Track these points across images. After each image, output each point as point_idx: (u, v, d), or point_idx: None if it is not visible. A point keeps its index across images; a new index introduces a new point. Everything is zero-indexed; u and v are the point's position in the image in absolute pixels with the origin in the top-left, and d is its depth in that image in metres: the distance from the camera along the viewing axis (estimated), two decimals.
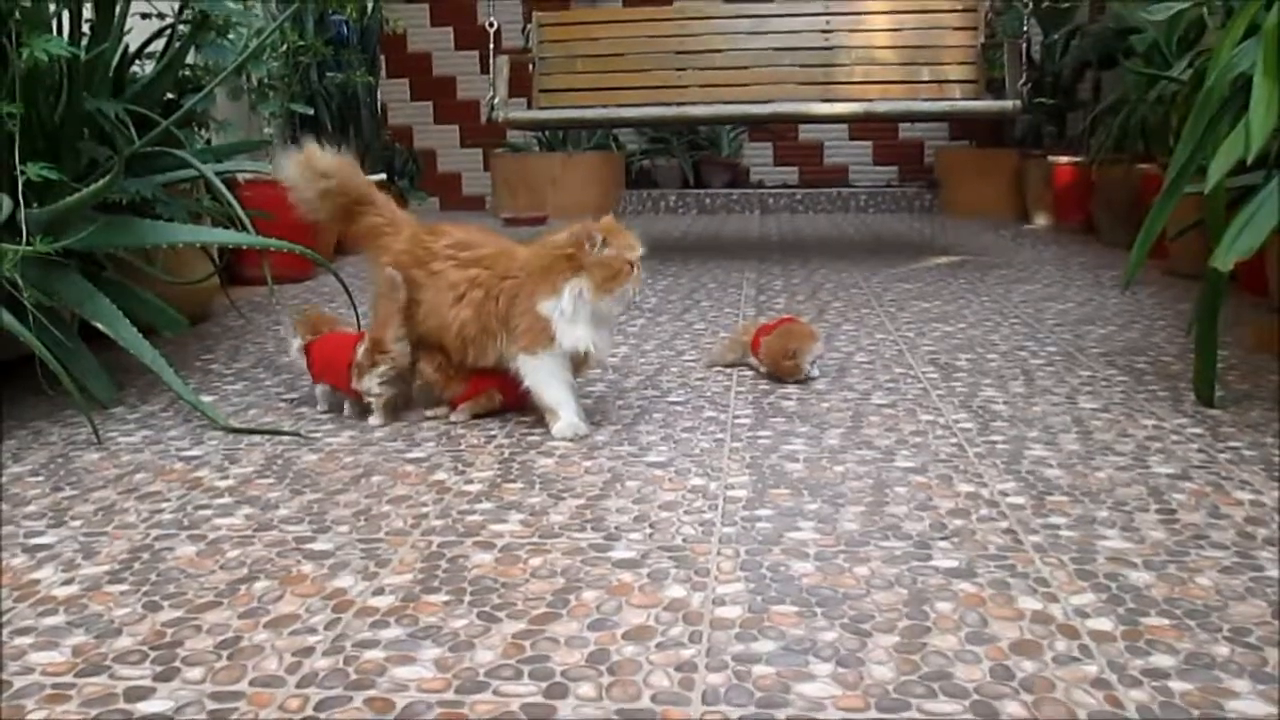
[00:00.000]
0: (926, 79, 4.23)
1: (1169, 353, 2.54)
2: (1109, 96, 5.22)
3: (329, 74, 4.65)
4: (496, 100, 3.93)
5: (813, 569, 1.33)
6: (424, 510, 1.54)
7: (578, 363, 1.92)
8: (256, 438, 1.94)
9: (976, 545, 1.39)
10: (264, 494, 1.63)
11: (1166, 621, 1.18)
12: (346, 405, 2.06)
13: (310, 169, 2.03)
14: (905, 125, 7.05)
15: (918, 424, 1.95)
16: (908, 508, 1.53)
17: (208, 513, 1.56)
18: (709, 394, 2.19)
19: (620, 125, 5.60)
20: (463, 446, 1.85)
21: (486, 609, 1.23)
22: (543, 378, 1.86)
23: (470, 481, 1.67)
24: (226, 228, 2.51)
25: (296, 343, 2.12)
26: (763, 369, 2.29)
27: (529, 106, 4.30)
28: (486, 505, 1.56)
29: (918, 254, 4.44)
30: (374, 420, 2.02)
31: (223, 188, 2.23)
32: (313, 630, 1.19)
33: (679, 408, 2.09)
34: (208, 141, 2.94)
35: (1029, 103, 3.75)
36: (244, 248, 2.51)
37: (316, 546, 1.42)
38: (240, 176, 2.97)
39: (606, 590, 1.27)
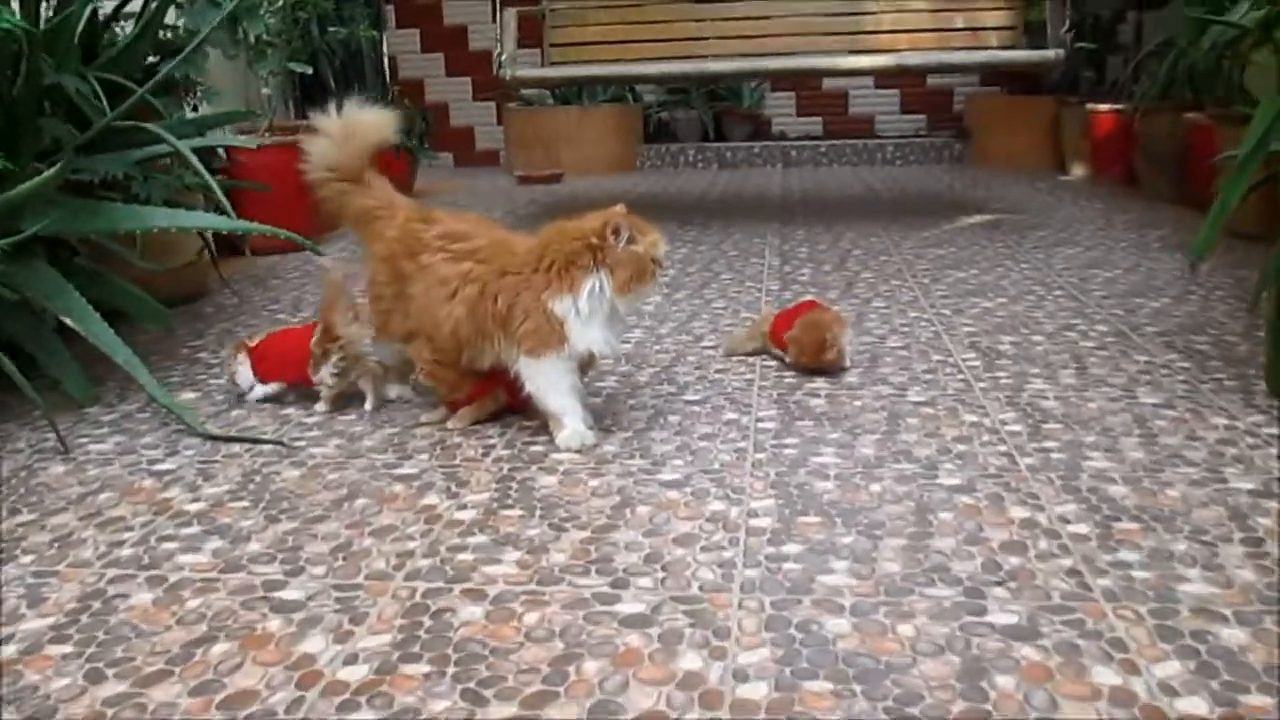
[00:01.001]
0: (960, 26, 3.97)
1: (1233, 330, 2.33)
2: (1153, 40, 4.93)
3: (331, 29, 4.44)
4: (504, 57, 3.71)
5: (849, 627, 1.15)
6: (410, 546, 1.37)
7: (585, 363, 1.74)
8: (235, 447, 1.77)
9: (1037, 593, 1.21)
10: (236, 521, 1.47)
11: None
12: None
13: (361, 130, 1.84)
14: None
15: (960, 427, 1.77)
16: (955, 541, 1.35)
17: (172, 546, 1.40)
18: (729, 390, 2.01)
19: (636, 82, 5.35)
20: (458, 460, 1.68)
21: (472, 685, 1.06)
22: (547, 383, 1.69)
23: (464, 506, 1.50)
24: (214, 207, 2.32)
25: (240, 360, 1.97)
26: (789, 359, 2.10)
27: (541, 62, 4.07)
28: (480, 539, 1.39)
29: (949, 213, 4.21)
30: (319, 408, 1.90)
31: (199, 165, 2.05)
32: (271, 714, 1.02)
33: (696, 408, 1.90)
34: (195, 110, 2.74)
35: (1071, 51, 3.49)
36: (251, 199, 2.32)
37: (287, 595, 1.26)
38: (237, 143, 2.79)
39: (611, 659, 1.10)
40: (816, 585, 1.25)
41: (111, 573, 1.34)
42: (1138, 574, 1.26)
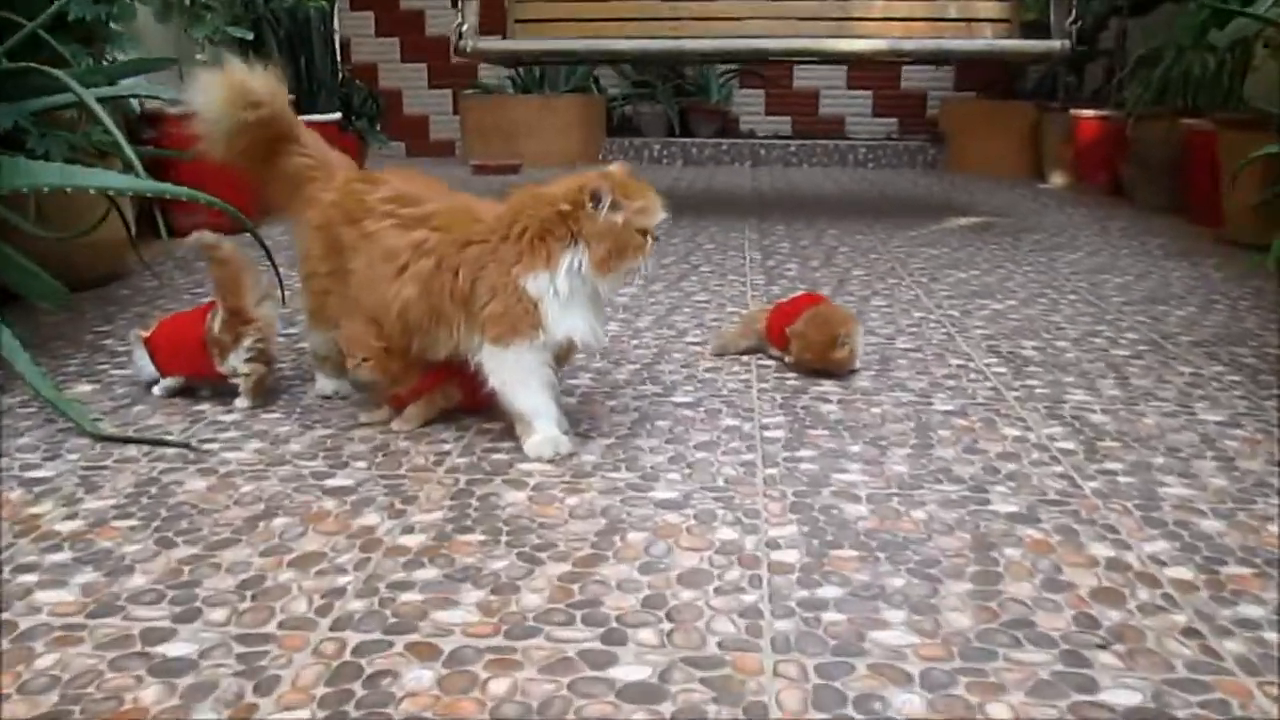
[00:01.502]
0: (954, 16, 3.73)
1: (1270, 343, 2.09)
2: (1141, 45, 4.75)
3: None
4: (465, 28, 3.39)
5: (919, 704, 0.86)
6: (340, 582, 1.07)
7: (561, 355, 1.45)
8: (131, 451, 1.45)
9: (1156, 663, 0.94)
10: (118, 546, 1.15)
11: None
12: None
13: (236, 93, 1.52)
14: (908, 74, 6.55)
15: (1002, 442, 1.49)
16: (1032, 587, 1.07)
17: (29, 580, 1.08)
18: (725, 392, 1.72)
19: (607, 60, 5.02)
20: (403, 469, 1.37)
21: None
22: (516, 378, 1.39)
23: (410, 529, 1.19)
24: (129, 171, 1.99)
25: (139, 352, 1.68)
26: (789, 359, 1.82)
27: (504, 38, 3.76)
28: (430, 573, 1.09)
29: (934, 214, 3.97)
30: (240, 403, 1.62)
31: (104, 114, 1.72)
32: None
33: (688, 412, 1.61)
34: (112, 61, 2.38)
35: (1076, 44, 3.26)
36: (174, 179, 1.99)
37: (171, 650, 0.94)
38: (166, 109, 2.44)
39: None
40: (870, 645, 0.96)
41: None
42: (1269, 634, 0.98)
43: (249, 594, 1.04)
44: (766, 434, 1.52)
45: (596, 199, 1.32)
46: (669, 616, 1.00)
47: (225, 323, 1.60)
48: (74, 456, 1.43)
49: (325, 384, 1.66)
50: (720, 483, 1.34)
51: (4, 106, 1.80)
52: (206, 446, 1.46)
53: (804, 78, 6.60)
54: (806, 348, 1.74)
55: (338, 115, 4.05)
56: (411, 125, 6.70)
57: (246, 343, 1.59)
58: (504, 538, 1.17)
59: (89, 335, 2.09)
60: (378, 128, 4.69)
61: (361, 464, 1.39)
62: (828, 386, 1.75)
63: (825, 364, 1.75)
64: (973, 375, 1.83)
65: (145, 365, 1.68)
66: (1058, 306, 2.41)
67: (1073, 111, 4.98)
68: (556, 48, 3.58)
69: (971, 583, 1.08)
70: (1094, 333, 2.16)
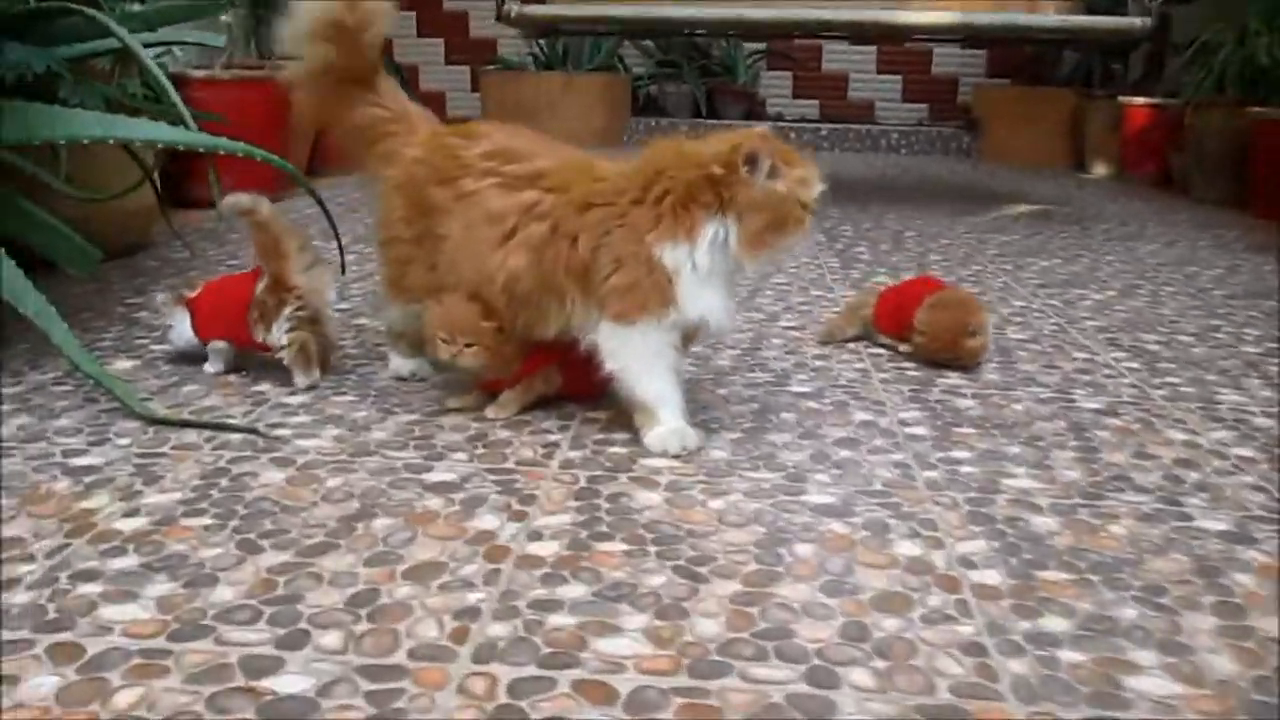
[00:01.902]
0: None
1: None
2: (1183, 32, 4.58)
3: None
4: None
5: None
6: (470, 600, 0.89)
7: (689, 336, 1.27)
8: (190, 436, 1.26)
9: None
10: (193, 551, 0.97)
11: None
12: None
13: (321, 25, 1.34)
14: (939, 59, 6.38)
15: (1172, 447, 1.33)
16: None
17: (91, 592, 0.90)
18: (843, 381, 1.55)
19: (665, 28, 4.77)
20: (510, 463, 1.19)
21: None
22: (640, 360, 1.21)
23: (538, 535, 1.01)
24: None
25: (179, 315, 1.51)
26: (904, 348, 1.64)
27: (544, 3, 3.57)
28: (576, 591, 0.91)
29: (987, 201, 3.79)
30: (299, 381, 1.44)
31: (151, 63, 1.53)
32: None
33: (812, 403, 1.44)
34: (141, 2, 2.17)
35: (1157, 21, 3.08)
36: (185, 151, 1.81)
37: (283, 687, 0.77)
38: (189, 72, 2.25)
39: None
40: (1129, 694, 0.78)
41: None
42: None
43: (363, 613, 0.86)
44: (908, 431, 1.34)
45: (753, 163, 1.13)
46: (879, 652, 0.83)
47: (266, 289, 1.42)
48: (124, 441, 1.25)
49: (401, 364, 1.48)
50: (877, 486, 1.16)
51: (36, 49, 1.60)
52: (276, 432, 1.27)
53: (833, 60, 6.42)
54: (935, 337, 1.56)
55: None
56: (428, 101, 6.42)
57: (287, 311, 1.41)
58: (651, 548, 0.99)
59: (120, 307, 1.91)
60: None
61: (460, 456, 1.21)
62: (954, 379, 1.58)
63: (956, 355, 1.57)
64: (1105, 371, 1.66)
65: (184, 330, 1.50)
66: (1159, 299, 2.23)
67: (1121, 99, 4.81)
68: (606, 14, 3.38)
69: (1215, 616, 0.91)
70: (1212, 328, 1.99)
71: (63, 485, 1.12)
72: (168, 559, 0.96)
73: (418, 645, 0.82)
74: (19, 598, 0.89)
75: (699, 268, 1.16)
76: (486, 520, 1.04)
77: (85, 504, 1.08)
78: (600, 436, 1.28)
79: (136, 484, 1.12)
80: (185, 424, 1.30)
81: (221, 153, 1.51)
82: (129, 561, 0.95)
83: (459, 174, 1.28)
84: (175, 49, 1.88)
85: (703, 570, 0.95)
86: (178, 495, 1.09)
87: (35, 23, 1.65)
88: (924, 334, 1.57)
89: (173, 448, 1.23)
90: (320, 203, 1.61)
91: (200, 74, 2.98)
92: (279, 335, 1.43)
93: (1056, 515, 1.10)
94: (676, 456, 1.21)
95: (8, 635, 0.83)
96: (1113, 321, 2.00)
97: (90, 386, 1.43)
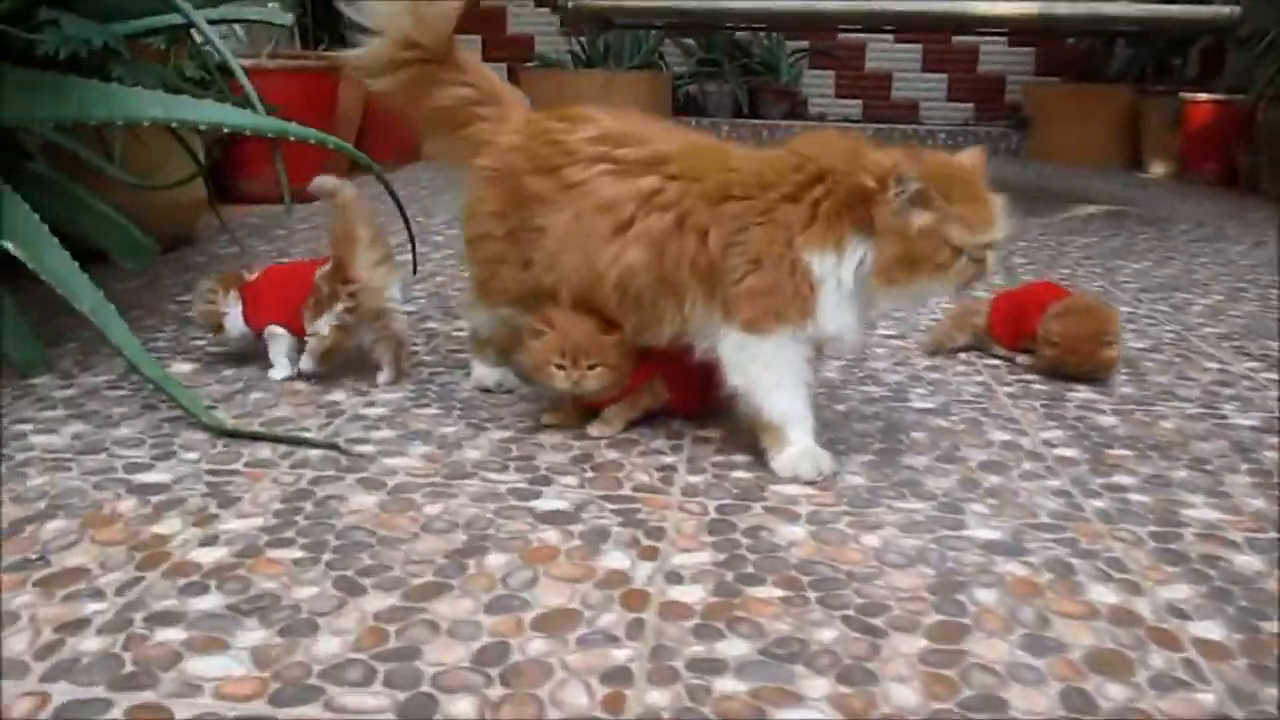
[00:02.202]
0: None
1: None
2: (1258, 25, 4.40)
3: None
4: None
5: None
6: (618, 658, 0.76)
7: (818, 349, 1.13)
8: (264, 448, 1.14)
9: None
10: (285, 591, 0.84)
11: None
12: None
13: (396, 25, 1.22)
14: (985, 56, 6.22)
15: None
16: None
17: (172, 638, 0.77)
18: (965, 396, 1.41)
19: (730, 21, 4.58)
20: (627, 488, 1.06)
21: None
22: (771, 374, 1.07)
23: (677, 577, 0.88)
24: None
25: (232, 302, 1.40)
26: (1029, 359, 1.51)
27: None
28: (739, 648, 0.77)
29: (1054, 202, 3.63)
30: (304, 365, 1.35)
31: (219, 41, 1.41)
32: None
33: (940, 421, 1.30)
34: None
35: (1248, 11, 2.93)
36: (231, 143, 1.68)
37: None
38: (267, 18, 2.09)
39: None
40: None
41: (62, 694, 0.70)
42: None
43: (494, 673, 0.73)
44: (1056, 452, 1.21)
45: (901, 184, 1.00)
46: None
47: (327, 274, 1.31)
48: (191, 456, 1.12)
49: (486, 373, 1.35)
50: (1044, 518, 1.02)
51: (93, 24, 1.48)
52: (359, 449, 1.15)
53: (876, 59, 6.27)
54: (1073, 349, 1.42)
55: None
56: None
57: (338, 308, 1.30)
58: (810, 593, 0.86)
59: (172, 305, 1.79)
60: None
61: (569, 479, 1.08)
62: (1085, 392, 1.44)
63: (1093, 366, 1.43)
64: (1246, 383, 1.51)
65: (235, 318, 1.39)
66: (1269, 303, 2.09)
67: (1184, 95, 4.65)
68: (664, 5, 3.25)
69: None
70: None
71: (128, 506, 1.00)
72: (257, 600, 0.83)
73: (567, 718, 0.69)
74: (89, 643, 0.76)
75: (843, 283, 1.03)
76: (614, 558, 0.91)
77: (156, 529, 0.95)
78: (718, 458, 1.15)
79: (211, 506, 1.00)
80: (257, 437, 1.17)
81: (291, 139, 1.39)
82: (213, 601, 0.83)
83: (563, 161, 1.15)
84: (237, 28, 1.75)
85: (877, 622, 0.82)
86: (259, 521, 0.97)
87: None
88: (1056, 345, 1.43)
89: (246, 464, 1.10)
90: (393, 193, 1.49)
91: (247, 63, 2.86)
92: (322, 326, 1.31)
93: (1257, 553, 0.96)
94: (810, 482, 1.08)
95: (78, 693, 0.70)
96: (1232, 328, 1.85)
97: (149, 391, 1.31)
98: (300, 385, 1.36)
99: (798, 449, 1.09)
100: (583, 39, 5.77)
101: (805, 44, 6.15)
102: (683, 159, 1.09)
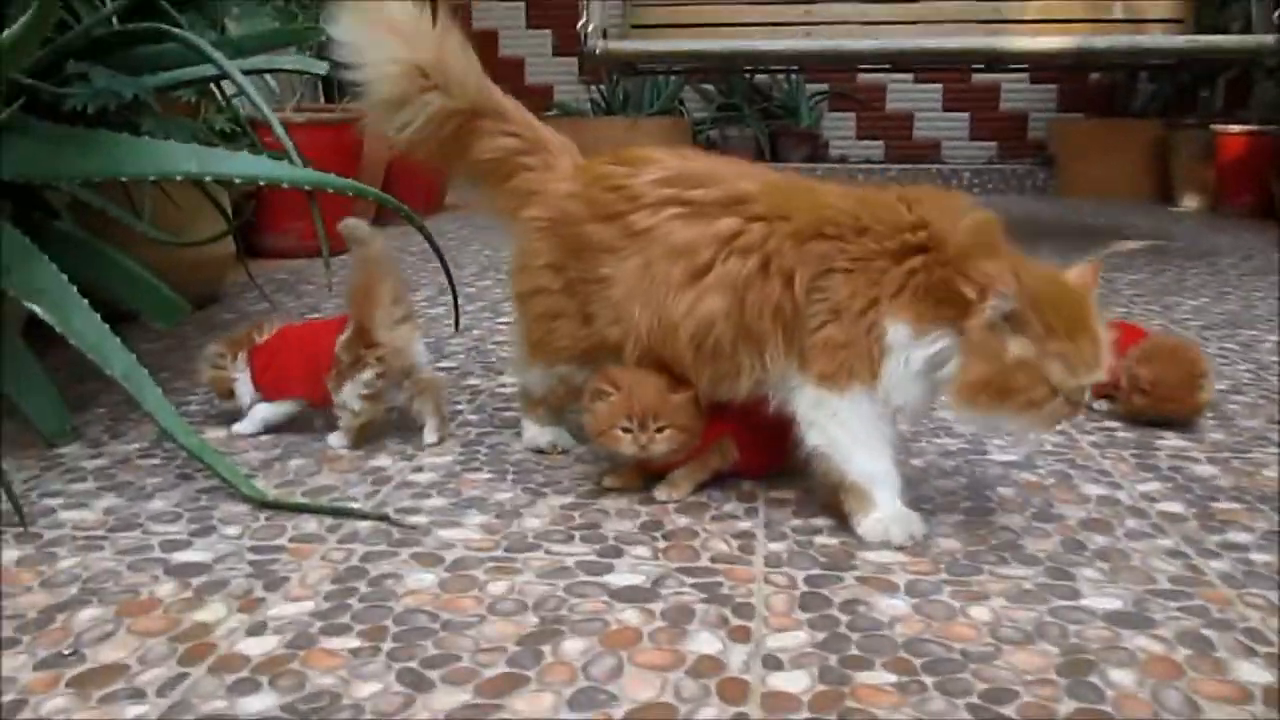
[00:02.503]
0: (1119, 17, 3.34)
1: None
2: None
3: None
4: (591, 28, 3.03)
5: None
6: None
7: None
8: (309, 521, 1.06)
9: None
10: (344, 687, 0.76)
11: None
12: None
13: (408, 68, 1.16)
14: (1008, 94, 6.18)
15: None
16: None
17: None
18: (1048, 446, 1.32)
19: (756, 63, 4.55)
20: (705, 559, 0.98)
21: None
22: (853, 433, 0.99)
23: (775, 663, 0.79)
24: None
25: (240, 368, 1.33)
26: (1111, 404, 1.42)
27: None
28: None
29: (1091, 237, 3.55)
30: (334, 441, 1.28)
31: (254, 93, 1.36)
32: None
33: (1025, 475, 1.21)
34: (221, 30, 1.98)
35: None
36: (259, 198, 1.62)
37: None
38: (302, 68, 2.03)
39: None
40: None
41: None
42: None
43: None
44: (1159, 507, 1.12)
45: (1001, 296, 0.91)
46: None
47: (348, 341, 1.23)
48: (232, 531, 1.05)
49: (538, 434, 1.27)
50: (1164, 584, 0.93)
51: (118, 78, 1.42)
52: (411, 520, 1.07)
53: (897, 100, 6.24)
54: (1165, 396, 1.33)
55: None
56: None
57: (365, 375, 1.22)
58: (925, 677, 0.77)
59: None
60: None
61: (641, 551, 0.99)
62: (1173, 439, 1.35)
63: (1183, 411, 1.35)
64: None
65: (245, 385, 1.32)
66: None
67: (1214, 127, 4.58)
68: (699, 49, 3.21)
69: None
70: None
71: (167, 589, 0.92)
72: (314, 699, 0.75)
73: None
74: None
75: (910, 365, 0.95)
76: (704, 641, 0.82)
77: (198, 616, 0.87)
78: (798, 522, 1.06)
79: (256, 588, 0.92)
80: (302, 509, 1.10)
81: (330, 191, 1.33)
82: (266, 702, 0.74)
83: (627, 207, 1.08)
84: (269, 79, 1.71)
85: (1008, 711, 0.73)
86: (309, 605, 0.89)
87: (120, 47, 1.48)
88: (1148, 391, 1.34)
89: (291, 539, 1.03)
90: (435, 246, 1.42)
91: (309, 64, 2.82)
92: (351, 399, 1.24)
93: None
94: (901, 548, 0.99)
95: None
96: None
97: (183, 459, 1.24)
98: (344, 451, 1.29)
99: (885, 512, 1.00)
100: (602, 86, 5.77)
101: (825, 87, 6.13)
102: (767, 198, 1.02)
